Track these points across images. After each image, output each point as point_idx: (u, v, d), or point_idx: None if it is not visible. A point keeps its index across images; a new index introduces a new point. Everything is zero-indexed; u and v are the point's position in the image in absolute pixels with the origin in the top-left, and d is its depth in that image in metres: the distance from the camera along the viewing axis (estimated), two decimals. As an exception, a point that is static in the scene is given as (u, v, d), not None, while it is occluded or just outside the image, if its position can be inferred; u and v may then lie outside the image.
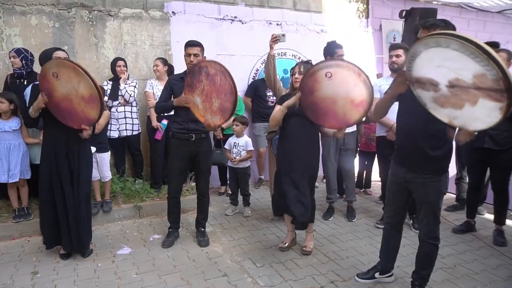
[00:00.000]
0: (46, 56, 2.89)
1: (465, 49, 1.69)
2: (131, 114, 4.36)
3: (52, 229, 3.04)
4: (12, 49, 3.74)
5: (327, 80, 2.63)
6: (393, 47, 3.51)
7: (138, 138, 4.52)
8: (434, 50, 1.82)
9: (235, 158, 4.12)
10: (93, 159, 3.73)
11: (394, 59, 3.43)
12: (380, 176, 3.93)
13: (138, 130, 4.46)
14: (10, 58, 3.71)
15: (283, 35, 3.41)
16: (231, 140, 4.25)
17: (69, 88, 2.71)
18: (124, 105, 4.29)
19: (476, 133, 2.05)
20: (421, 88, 1.98)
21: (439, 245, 2.43)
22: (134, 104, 4.38)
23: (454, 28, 2.11)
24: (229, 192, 4.45)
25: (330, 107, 2.71)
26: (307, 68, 2.92)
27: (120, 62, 4.28)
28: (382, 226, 3.80)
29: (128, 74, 4.32)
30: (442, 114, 1.97)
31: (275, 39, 3.39)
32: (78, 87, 2.68)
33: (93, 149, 3.64)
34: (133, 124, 4.38)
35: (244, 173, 4.20)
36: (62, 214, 2.97)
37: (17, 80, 3.76)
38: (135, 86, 4.31)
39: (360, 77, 2.58)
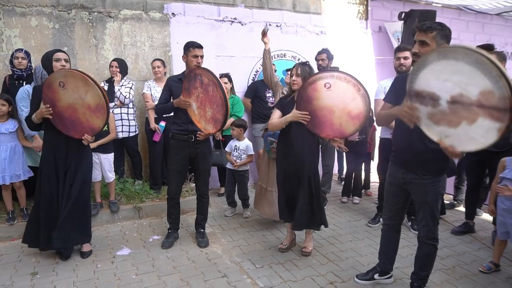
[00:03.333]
0: (47, 59, 2.88)
1: (480, 63, 1.67)
2: (127, 116, 4.34)
3: (35, 229, 3.00)
4: (20, 50, 3.74)
5: (326, 90, 2.76)
6: (400, 48, 3.51)
7: (135, 139, 4.51)
8: (446, 63, 1.80)
9: (235, 161, 4.11)
10: (97, 160, 3.74)
11: (402, 61, 3.43)
12: (379, 177, 3.93)
13: (135, 131, 4.45)
14: (18, 58, 3.69)
15: (265, 26, 3.74)
16: (232, 143, 4.22)
17: (75, 97, 2.74)
18: (120, 107, 4.27)
19: (463, 154, 2.03)
20: (419, 102, 1.96)
21: (438, 246, 2.44)
22: (130, 105, 4.36)
23: (449, 31, 2.12)
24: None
25: (328, 116, 2.85)
26: (304, 70, 2.94)
27: (113, 63, 4.25)
28: (374, 225, 3.84)
29: (121, 76, 4.26)
30: (434, 132, 1.96)
31: (263, 34, 3.65)
32: (85, 97, 2.72)
33: None
34: (129, 125, 4.36)
35: (242, 177, 4.17)
36: (54, 214, 2.94)
37: (16, 82, 3.75)
38: (130, 88, 4.28)
39: (359, 91, 2.73)
